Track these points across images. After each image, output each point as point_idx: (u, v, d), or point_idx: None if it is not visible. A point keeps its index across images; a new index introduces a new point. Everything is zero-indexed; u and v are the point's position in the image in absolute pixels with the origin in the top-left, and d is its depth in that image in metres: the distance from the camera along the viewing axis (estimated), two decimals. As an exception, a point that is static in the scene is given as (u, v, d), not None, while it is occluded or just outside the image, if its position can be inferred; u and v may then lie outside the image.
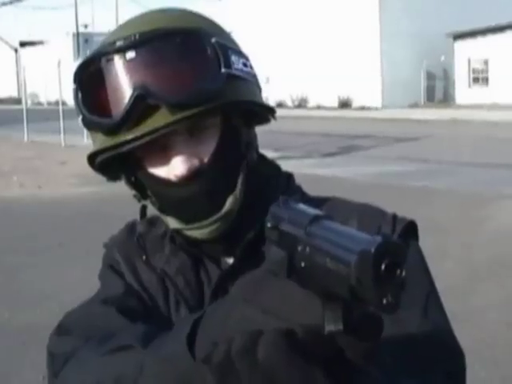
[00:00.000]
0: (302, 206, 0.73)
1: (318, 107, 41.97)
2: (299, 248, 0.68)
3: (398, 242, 0.62)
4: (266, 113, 1.13)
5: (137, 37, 0.99)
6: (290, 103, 42.46)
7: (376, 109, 38.14)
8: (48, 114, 30.25)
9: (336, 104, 41.64)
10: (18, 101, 48.21)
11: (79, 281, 5.61)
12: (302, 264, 0.68)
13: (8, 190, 13.47)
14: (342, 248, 0.63)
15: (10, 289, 6.85)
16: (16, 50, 64.82)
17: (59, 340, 1.09)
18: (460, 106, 36.00)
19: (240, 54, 1.09)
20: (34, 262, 7.56)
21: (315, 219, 0.69)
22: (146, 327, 0.99)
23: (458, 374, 1.04)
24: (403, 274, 0.61)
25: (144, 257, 1.17)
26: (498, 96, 35.15)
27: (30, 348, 5.21)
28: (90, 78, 1.02)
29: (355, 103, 40.87)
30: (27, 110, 24.49)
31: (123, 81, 0.99)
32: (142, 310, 1.11)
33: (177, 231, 1.13)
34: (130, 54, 0.99)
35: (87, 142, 19.64)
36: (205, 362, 0.75)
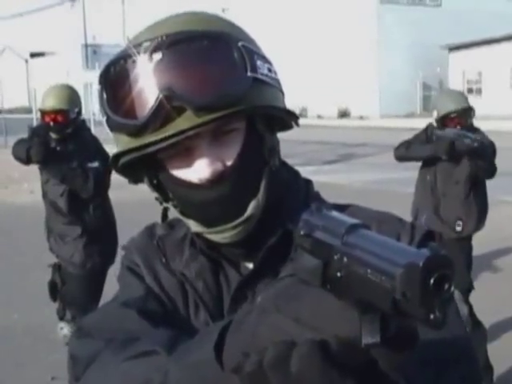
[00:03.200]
0: (336, 214, 0.70)
1: (318, 117, 42.23)
2: (335, 257, 0.65)
3: (447, 254, 0.59)
4: (289, 119, 1.11)
5: (164, 38, 0.97)
6: None
7: (374, 118, 38.38)
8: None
9: (335, 114, 41.86)
10: (28, 110, 48.89)
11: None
12: (339, 274, 0.65)
13: (19, 196, 13.66)
14: (385, 259, 0.60)
15: (18, 291, 6.91)
16: (26, 61, 65.61)
17: (80, 343, 1.06)
18: None
19: (265, 59, 1.06)
20: (42, 265, 7.24)
21: (352, 228, 0.66)
22: (170, 332, 0.96)
23: (473, 378, 1.00)
24: (452, 288, 0.59)
25: (164, 260, 1.14)
26: (490, 106, 35.30)
27: (38, 349, 5.26)
28: (116, 79, 1.00)
29: (354, 113, 41.09)
30: (37, 119, 25.12)
31: (149, 82, 0.96)
32: (163, 312, 1.09)
33: (197, 234, 1.10)
34: (157, 56, 0.96)
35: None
36: (235, 372, 0.72)
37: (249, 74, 1.00)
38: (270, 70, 1.07)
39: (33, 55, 64.44)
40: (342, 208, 1.14)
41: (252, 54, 1.03)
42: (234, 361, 0.73)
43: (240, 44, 1.01)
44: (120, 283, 1.18)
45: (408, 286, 0.58)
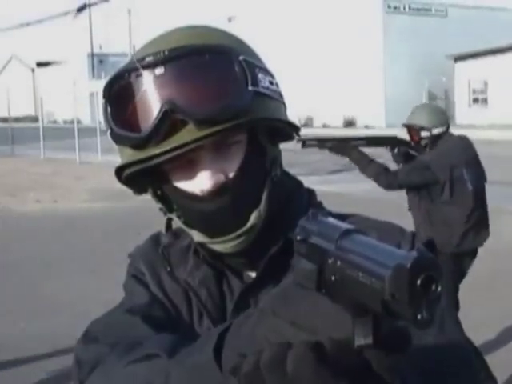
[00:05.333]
0: (331, 220, 0.72)
1: (324, 126, 42.15)
2: (330, 261, 0.67)
3: (434, 256, 0.60)
4: (290, 130, 1.13)
5: (166, 53, 0.99)
6: (296, 123, 41.81)
7: (380, 128, 38.05)
8: (64, 132, 30.24)
9: (341, 123, 41.79)
10: (34, 119, 49.13)
11: (92, 292, 5.69)
12: (333, 277, 0.66)
13: (25, 204, 13.83)
14: (376, 262, 0.62)
15: (25, 300, 6.93)
16: (33, 70, 65.92)
17: (85, 348, 1.08)
18: (460, 126, 35.22)
19: (266, 71, 1.08)
20: (48, 274, 7.54)
21: (346, 233, 0.68)
22: (172, 337, 0.98)
23: None
24: (439, 289, 0.60)
25: (168, 268, 1.17)
26: (496, 116, 35.19)
27: (44, 357, 5.23)
28: (120, 93, 1.02)
29: (359, 122, 41.06)
30: (43, 128, 24.95)
31: (152, 96, 0.99)
32: (167, 319, 1.11)
33: (201, 244, 1.12)
34: (159, 70, 0.99)
35: (101, 159, 20.45)
36: (232, 373, 0.73)
37: (250, 87, 1.02)
38: (271, 83, 1.09)
39: (39, 64, 64.78)
40: (344, 217, 1.15)
41: (253, 67, 1.05)
42: (232, 363, 0.74)
43: (241, 58, 1.03)
44: (126, 290, 1.20)
45: (396, 288, 0.59)
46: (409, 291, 0.59)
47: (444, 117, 5.04)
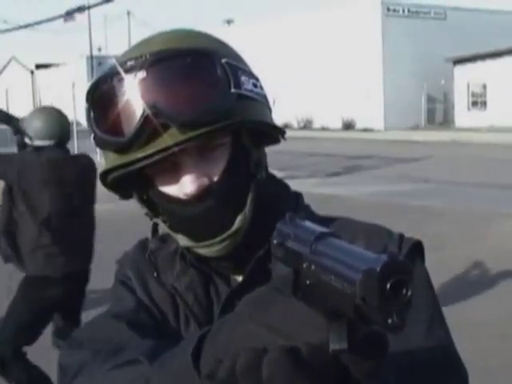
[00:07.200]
0: (307, 224, 0.72)
1: (323, 128, 42.18)
2: (304, 265, 0.67)
3: (405, 260, 0.61)
4: (275, 133, 1.12)
5: (147, 57, 0.99)
6: (295, 124, 42.58)
7: (379, 130, 38.52)
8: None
9: (340, 125, 41.88)
10: (33, 121, 48.97)
11: (91, 294, 5.59)
12: (308, 281, 0.66)
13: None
14: (348, 266, 0.62)
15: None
16: (32, 72, 65.99)
17: (70, 353, 1.08)
18: (459, 129, 36.20)
19: (250, 74, 1.08)
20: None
21: (321, 236, 0.68)
22: (154, 342, 0.98)
23: None
24: (409, 293, 0.60)
25: (155, 273, 1.16)
26: (495, 119, 35.33)
27: (42, 359, 5.13)
28: (102, 98, 1.02)
29: (358, 125, 41.04)
30: None
31: (134, 100, 0.98)
32: (153, 325, 1.11)
33: (187, 249, 1.12)
34: (141, 74, 0.98)
35: (100, 161, 20.39)
36: (208, 379, 0.73)
37: (233, 90, 1.02)
38: (255, 86, 1.08)
39: (38, 66, 64.88)
40: (331, 221, 1.16)
41: (236, 70, 1.05)
42: (209, 368, 0.75)
43: (224, 60, 1.03)
44: (113, 296, 1.21)
45: (367, 291, 0.59)
46: (379, 295, 0.59)
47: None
